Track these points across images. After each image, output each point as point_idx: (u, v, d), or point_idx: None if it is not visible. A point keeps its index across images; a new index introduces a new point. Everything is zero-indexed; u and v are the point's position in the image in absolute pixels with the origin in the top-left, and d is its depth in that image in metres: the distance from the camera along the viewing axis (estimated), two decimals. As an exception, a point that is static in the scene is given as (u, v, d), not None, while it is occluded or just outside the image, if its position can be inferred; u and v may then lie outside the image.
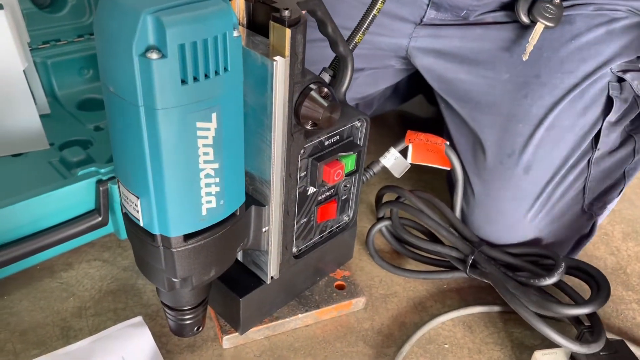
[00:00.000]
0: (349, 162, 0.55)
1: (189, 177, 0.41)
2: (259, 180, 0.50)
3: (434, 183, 0.85)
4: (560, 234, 0.67)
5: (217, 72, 0.38)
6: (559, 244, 0.67)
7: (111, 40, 0.36)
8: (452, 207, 0.70)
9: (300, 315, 0.61)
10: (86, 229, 0.63)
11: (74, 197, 0.63)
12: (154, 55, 0.35)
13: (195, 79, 0.37)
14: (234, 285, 0.56)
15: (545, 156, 0.66)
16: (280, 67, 0.43)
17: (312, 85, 0.47)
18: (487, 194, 0.68)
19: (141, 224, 0.44)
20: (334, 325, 0.63)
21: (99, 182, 0.63)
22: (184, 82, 0.37)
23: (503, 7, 0.70)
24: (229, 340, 0.59)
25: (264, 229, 0.52)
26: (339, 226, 0.63)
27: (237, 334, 0.58)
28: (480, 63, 0.71)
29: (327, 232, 0.61)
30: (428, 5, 0.72)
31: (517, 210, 0.66)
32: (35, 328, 0.59)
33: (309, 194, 0.55)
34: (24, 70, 0.71)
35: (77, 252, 0.68)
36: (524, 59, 0.66)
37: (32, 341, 0.58)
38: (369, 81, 0.81)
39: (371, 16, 0.54)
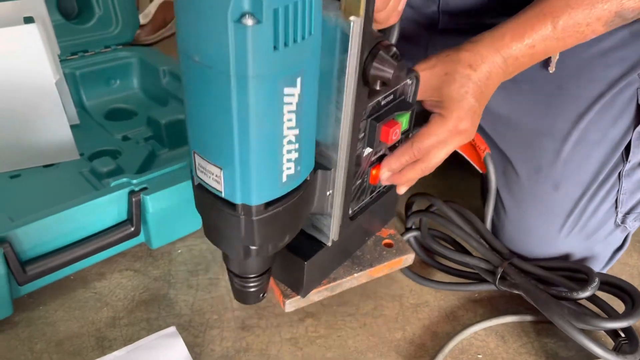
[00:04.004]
0: (404, 121, 0.54)
1: (274, 145, 0.41)
2: (324, 144, 0.50)
3: (459, 185, 0.84)
4: (593, 249, 0.65)
5: (303, 37, 0.37)
6: (593, 259, 0.66)
7: (201, 8, 0.35)
8: (483, 218, 0.69)
9: (355, 275, 0.62)
10: (119, 240, 0.64)
11: (107, 208, 0.63)
12: (249, 22, 0.34)
13: (286, 44, 0.36)
14: (297, 250, 0.56)
15: (574, 172, 0.64)
16: (356, 27, 0.42)
17: (379, 45, 0.46)
18: (517, 209, 0.66)
19: (222, 195, 0.43)
20: (366, 335, 0.62)
21: (131, 192, 0.64)
22: (275, 48, 0.36)
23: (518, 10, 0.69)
24: (291, 304, 0.59)
25: (328, 193, 0.52)
26: (385, 185, 0.62)
27: (298, 297, 0.59)
28: None
29: (376, 192, 0.61)
30: (440, 13, 0.72)
31: (549, 226, 0.64)
32: (71, 338, 0.60)
33: (364, 155, 0.55)
34: (55, 82, 0.72)
35: (109, 262, 0.69)
36: (551, 72, 0.64)
37: (69, 351, 0.58)
38: None
39: None
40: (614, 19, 0.52)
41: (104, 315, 0.62)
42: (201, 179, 0.44)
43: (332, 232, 0.55)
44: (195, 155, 0.44)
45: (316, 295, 0.60)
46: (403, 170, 0.57)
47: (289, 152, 0.42)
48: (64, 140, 0.75)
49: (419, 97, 0.56)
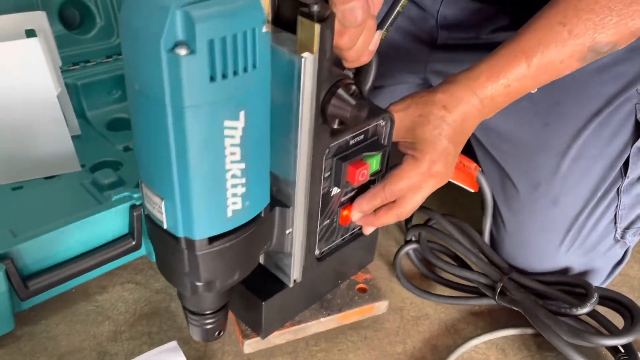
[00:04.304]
0: (373, 162, 0.53)
1: (215, 178, 0.40)
2: (283, 180, 0.49)
3: (461, 199, 0.84)
4: (593, 264, 0.65)
5: (245, 69, 0.37)
6: (592, 273, 0.66)
7: (138, 36, 0.35)
8: (481, 233, 0.69)
9: (322, 319, 0.61)
10: (120, 254, 0.64)
11: (109, 222, 0.64)
12: (182, 51, 0.33)
13: (224, 76, 0.36)
14: (256, 289, 0.55)
15: (573, 187, 0.64)
16: (308, 63, 0.42)
17: (339, 83, 0.46)
18: (516, 224, 0.67)
19: (165, 226, 0.42)
20: (367, 349, 0.63)
21: (133, 207, 0.64)
22: (212, 79, 0.35)
23: (515, 25, 0.68)
24: (250, 345, 0.58)
25: (287, 231, 0.51)
26: (359, 227, 0.61)
27: (258, 338, 0.58)
28: None
29: (349, 234, 0.60)
30: (438, 27, 0.72)
31: (548, 242, 0.65)
32: (73, 352, 0.60)
33: (332, 195, 0.54)
34: (57, 95, 0.73)
35: (110, 275, 0.69)
36: (533, 92, 0.63)
37: (70, 366, 0.59)
38: (390, 97, 0.82)
39: (395, 13, 0.52)
40: (588, 54, 0.51)
41: (105, 329, 0.63)
42: (148, 209, 0.44)
43: (292, 272, 0.54)
44: (142, 184, 0.43)
45: (278, 338, 0.59)
46: (378, 214, 0.56)
47: (234, 186, 0.41)
48: (65, 152, 0.75)
49: (393, 138, 0.56)
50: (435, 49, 0.73)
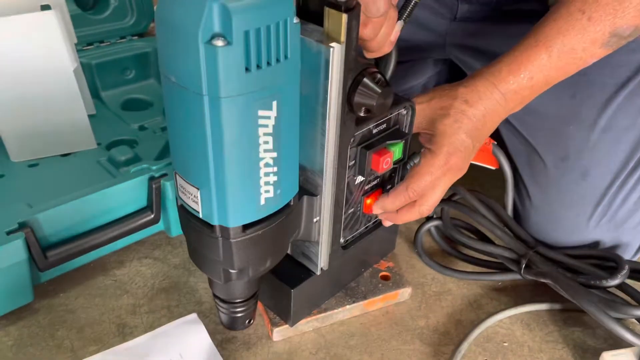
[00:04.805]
0: (397, 150, 0.54)
1: (249, 167, 0.41)
2: (310, 170, 0.50)
3: (481, 179, 0.83)
4: (622, 238, 0.64)
5: (278, 60, 0.38)
6: (622, 247, 0.64)
7: (175, 29, 0.36)
8: (503, 207, 0.68)
9: (347, 307, 0.61)
10: (139, 227, 0.63)
11: (127, 194, 0.63)
12: (219, 43, 0.34)
13: (258, 66, 0.37)
14: (285, 277, 0.56)
15: (602, 160, 0.62)
16: (336, 53, 0.43)
17: (364, 72, 0.46)
18: (544, 198, 0.65)
19: (200, 215, 0.44)
20: (389, 323, 0.62)
21: (151, 179, 0.63)
22: (247, 69, 0.36)
23: None
24: (279, 333, 0.58)
25: (314, 219, 0.52)
26: None
27: (286, 326, 0.58)
28: None
29: (372, 222, 0.61)
30: (458, 1, 0.71)
31: (577, 216, 0.63)
32: (92, 325, 0.59)
33: (356, 183, 0.55)
34: (73, 70, 0.72)
35: (128, 250, 0.68)
36: None
37: (90, 338, 0.58)
38: (409, 73, 0.81)
39: (413, 2, 0.51)
40: (610, 39, 0.50)
41: (124, 302, 0.62)
42: (182, 200, 0.45)
43: (320, 260, 0.55)
44: (177, 175, 0.44)
45: (305, 325, 0.59)
46: (400, 212, 0.56)
47: (266, 174, 0.42)
48: (81, 129, 0.74)
49: (414, 129, 0.56)
50: (454, 22, 0.72)
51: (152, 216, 0.64)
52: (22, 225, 0.56)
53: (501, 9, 0.71)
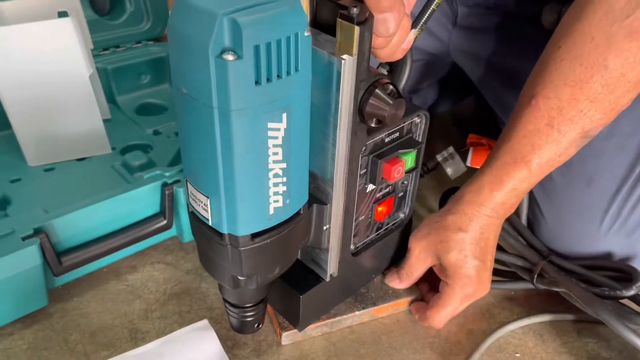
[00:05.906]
0: (409, 159, 0.54)
1: (259, 177, 0.41)
2: (320, 178, 0.50)
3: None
4: (636, 247, 0.62)
5: (288, 73, 0.38)
6: (636, 258, 0.63)
7: (186, 43, 0.36)
8: (517, 216, 0.67)
9: (357, 313, 0.61)
10: (152, 232, 0.64)
11: (140, 200, 0.63)
12: (229, 57, 0.35)
13: (269, 80, 0.37)
14: (294, 283, 0.56)
15: (607, 166, 0.61)
16: (348, 65, 0.43)
17: (377, 83, 0.46)
18: (552, 206, 0.65)
19: (209, 223, 0.44)
20: (400, 331, 0.61)
21: (165, 185, 0.64)
22: (257, 83, 0.37)
23: None
24: (288, 337, 0.59)
25: (324, 227, 0.52)
26: (394, 223, 0.62)
27: (295, 330, 0.58)
28: (517, 74, 0.65)
29: (383, 229, 0.61)
30: (457, 4, 0.71)
31: (586, 223, 0.62)
32: (105, 329, 0.60)
33: (367, 191, 0.55)
34: (89, 76, 0.73)
35: (141, 255, 0.69)
36: None
37: (102, 342, 0.58)
38: (417, 73, 0.81)
39: (429, 11, 0.51)
40: (582, 140, 0.52)
41: (136, 307, 0.62)
42: (193, 207, 0.45)
43: (329, 267, 0.55)
44: (188, 183, 0.44)
45: (314, 330, 0.60)
46: (422, 315, 0.61)
47: (275, 185, 0.42)
48: (96, 134, 0.75)
49: (425, 268, 0.60)
50: (455, 28, 0.73)
51: (165, 222, 0.64)
52: (37, 231, 0.56)
53: (501, 13, 0.71)
